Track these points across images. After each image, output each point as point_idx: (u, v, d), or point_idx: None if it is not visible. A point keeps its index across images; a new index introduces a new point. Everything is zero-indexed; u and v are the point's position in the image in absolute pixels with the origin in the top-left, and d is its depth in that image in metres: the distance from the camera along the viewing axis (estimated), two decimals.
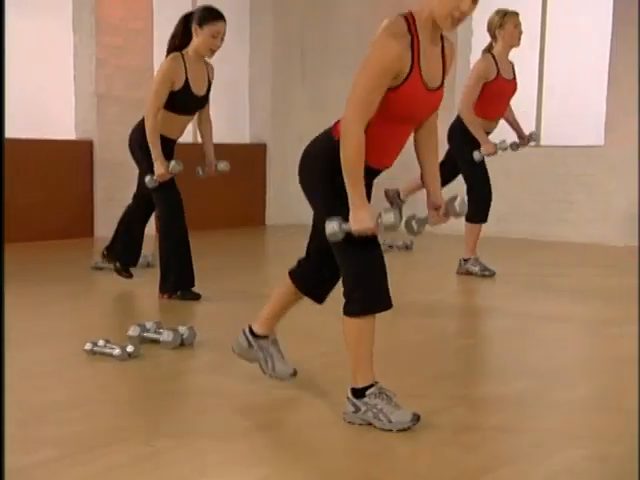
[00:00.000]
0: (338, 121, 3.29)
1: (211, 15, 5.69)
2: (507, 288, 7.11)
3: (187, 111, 5.95)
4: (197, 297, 5.97)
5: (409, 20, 3.15)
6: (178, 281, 5.98)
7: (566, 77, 10.26)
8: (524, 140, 7.52)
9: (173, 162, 5.75)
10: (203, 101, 6.03)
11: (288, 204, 11.23)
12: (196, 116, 6.16)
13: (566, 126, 10.30)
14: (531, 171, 10.10)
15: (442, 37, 3.30)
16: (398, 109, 3.18)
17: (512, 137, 7.52)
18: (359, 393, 3.32)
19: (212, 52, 5.81)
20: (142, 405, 3.77)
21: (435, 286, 7.24)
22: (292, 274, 3.60)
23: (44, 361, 4.40)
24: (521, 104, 10.42)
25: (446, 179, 7.32)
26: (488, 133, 7.27)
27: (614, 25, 9.56)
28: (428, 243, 8.90)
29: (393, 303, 3.32)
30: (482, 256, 7.48)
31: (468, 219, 7.26)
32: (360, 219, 3.08)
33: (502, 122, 7.53)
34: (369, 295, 3.27)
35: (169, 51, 5.83)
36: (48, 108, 9.48)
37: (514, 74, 7.40)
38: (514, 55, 7.34)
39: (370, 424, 3.30)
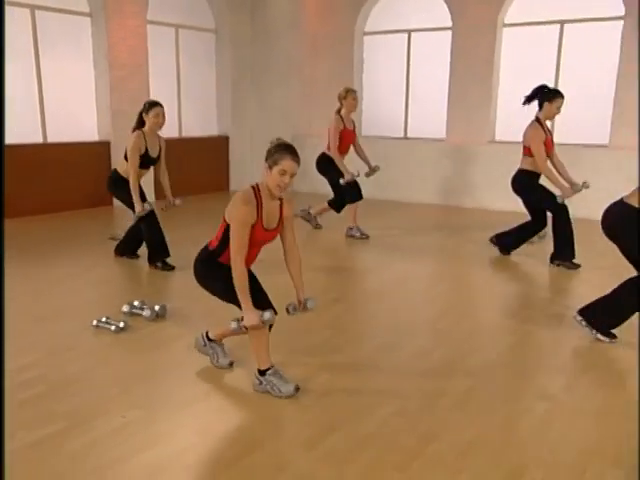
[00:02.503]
0: (211, 241, 3.40)
1: (151, 104, 5.69)
2: (376, 250, 6.82)
3: (145, 167, 5.82)
4: (171, 268, 5.83)
5: (255, 189, 3.21)
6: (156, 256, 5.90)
7: (424, 96, 10.24)
8: (371, 170, 7.45)
9: (146, 204, 5.69)
10: (156, 160, 5.86)
11: (244, 175, 11.15)
12: (159, 171, 5.98)
13: (424, 125, 10.32)
14: (400, 155, 10.16)
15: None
16: (250, 241, 3.19)
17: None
18: (261, 373, 3.34)
19: (159, 127, 5.71)
20: (124, 377, 3.56)
21: (333, 253, 6.95)
22: None
23: (63, 334, 4.18)
24: (395, 114, 10.55)
25: (342, 202, 7.49)
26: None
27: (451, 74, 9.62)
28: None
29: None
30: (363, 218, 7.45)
31: (347, 202, 7.39)
32: (249, 318, 3.13)
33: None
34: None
35: (135, 130, 5.74)
36: (79, 120, 9.18)
37: (354, 126, 7.32)
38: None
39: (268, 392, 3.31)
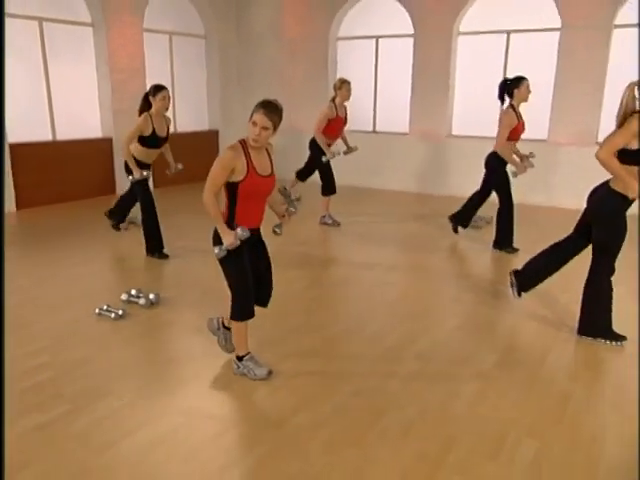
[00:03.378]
0: (222, 212, 3.23)
1: (157, 87, 5.47)
2: (346, 238, 6.76)
3: (156, 147, 5.68)
4: (166, 257, 5.80)
5: (242, 143, 3.14)
6: (154, 246, 5.83)
7: (390, 95, 10.18)
8: (349, 150, 7.32)
9: (145, 172, 5.59)
10: (165, 140, 5.71)
11: None
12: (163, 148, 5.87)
13: (389, 120, 10.32)
14: (370, 147, 10.15)
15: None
16: (249, 191, 3.14)
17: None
18: (239, 358, 3.41)
19: (166, 109, 5.52)
20: (122, 362, 3.56)
21: (305, 239, 6.85)
22: None
23: (69, 322, 4.16)
24: (365, 110, 10.52)
25: (306, 174, 7.42)
26: (330, 145, 7.10)
27: (413, 76, 9.52)
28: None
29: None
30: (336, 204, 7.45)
31: (322, 194, 7.33)
32: (227, 239, 3.10)
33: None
34: (241, 310, 3.26)
35: (141, 113, 5.52)
36: (84, 119, 9.05)
37: (346, 114, 7.16)
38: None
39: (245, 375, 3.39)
